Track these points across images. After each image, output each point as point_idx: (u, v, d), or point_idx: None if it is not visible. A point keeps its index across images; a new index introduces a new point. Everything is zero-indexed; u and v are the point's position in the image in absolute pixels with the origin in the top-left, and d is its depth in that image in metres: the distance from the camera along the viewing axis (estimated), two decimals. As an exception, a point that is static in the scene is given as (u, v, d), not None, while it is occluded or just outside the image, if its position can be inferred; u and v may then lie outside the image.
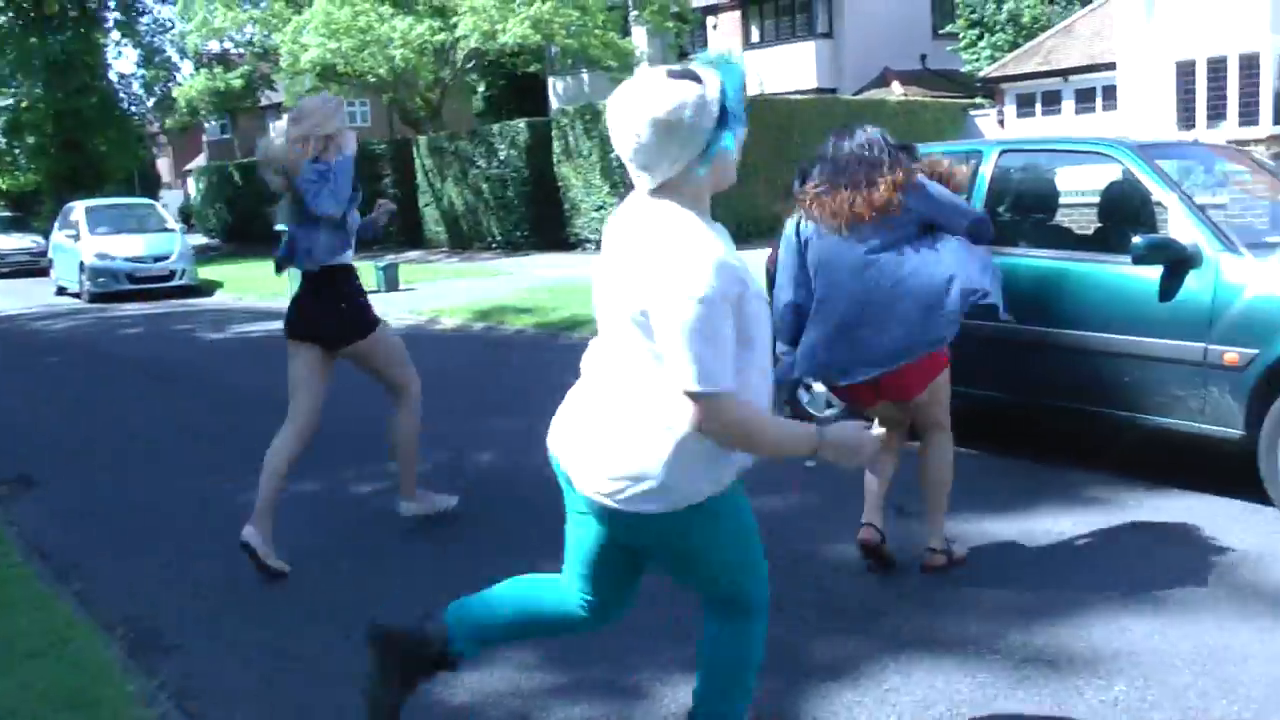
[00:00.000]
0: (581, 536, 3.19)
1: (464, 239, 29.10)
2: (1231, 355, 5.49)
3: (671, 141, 2.74)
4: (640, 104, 2.73)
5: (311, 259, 5.58)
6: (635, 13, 32.58)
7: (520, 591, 3.42)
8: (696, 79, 2.74)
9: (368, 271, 20.66)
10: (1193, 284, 5.67)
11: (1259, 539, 5.24)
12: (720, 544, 3.08)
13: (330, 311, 5.68)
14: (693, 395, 2.70)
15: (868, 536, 4.96)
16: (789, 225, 5.03)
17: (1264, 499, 5.53)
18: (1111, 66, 26.50)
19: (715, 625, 3.22)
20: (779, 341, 4.92)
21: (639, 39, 36.85)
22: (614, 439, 2.92)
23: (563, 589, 3.33)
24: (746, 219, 25.38)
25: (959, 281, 4.61)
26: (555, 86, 43.42)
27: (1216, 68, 23.10)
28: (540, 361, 11.41)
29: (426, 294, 18.40)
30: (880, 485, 5.04)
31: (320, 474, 7.08)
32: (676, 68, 2.78)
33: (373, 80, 31.72)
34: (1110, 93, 27.16)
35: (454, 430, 8.17)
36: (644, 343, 2.81)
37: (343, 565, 5.51)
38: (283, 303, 6.48)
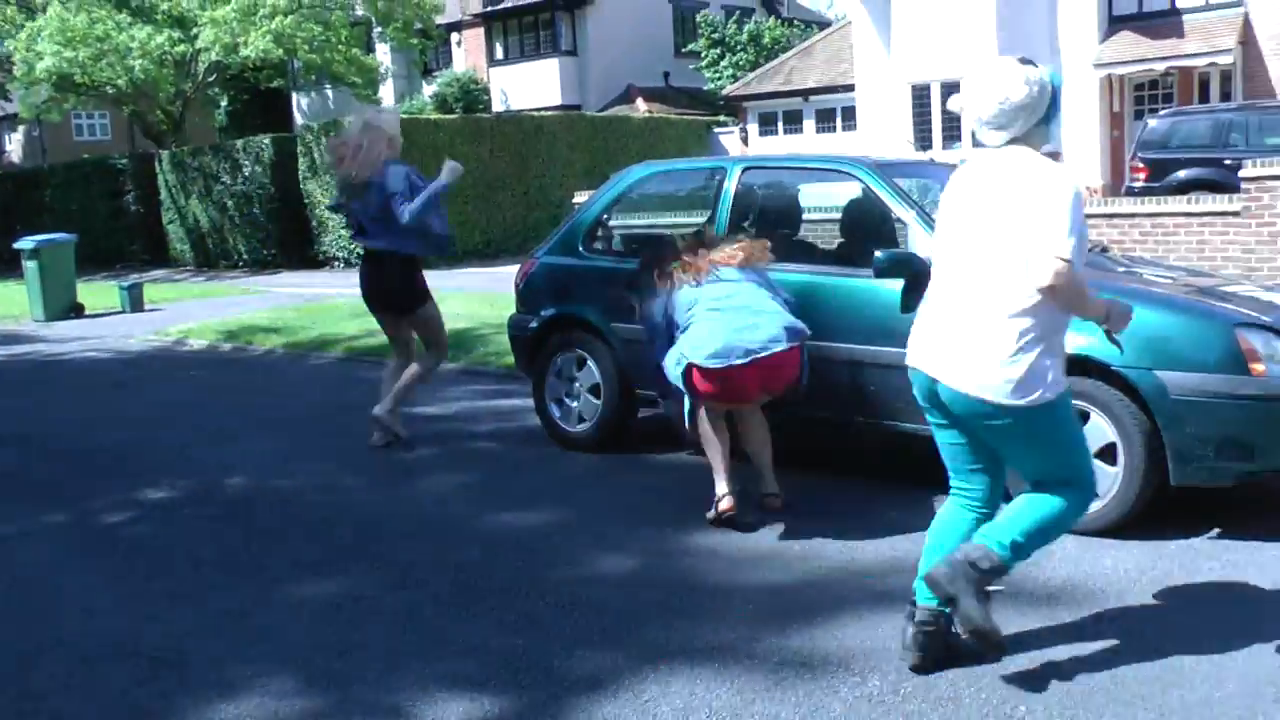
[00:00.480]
0: (952, 440, 4.19)
1: (210, 257, 28.10)
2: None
3: (1024, 107, 3.81)
4: (1003, 79, 3.82)
5: (374, 239, 7.69)
6: (379, 29, 32.21)
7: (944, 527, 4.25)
8: (1036, 65, 3.82)
9: (111, 292, 19.84)
10: (933, 295, 5.92)
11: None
12: (1066, 432, 4.01)
13: (388, 288, 7.79)
14: (1062, 259, 3.61)
15: (729, 506, 5.74)
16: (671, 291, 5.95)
17: (1007, 498, 5.79)
18: (850, 88, 27.66)
19: (1049, 497, 4.02)
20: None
21: (383, 55, 36.46)
22: (987, 345, 3.83)
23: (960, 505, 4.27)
24: (495, 233, 25.43)
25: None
26: (299, 102, 42.58)
27: (950, 90, 24.24)
28: (289, 382, 11.14)
29: (173, 314, 17.70)
30: (723, 460, 5.80)
31: (67, 505, 6.78)
32: (1023, 57, 3.87)
33: (112, 92, 30.40)
34: (850, 113, 28.33)
35: (204, 455, 7.91)
36: (1016, 252, 3.72)
37: (103, 603, 5.25)
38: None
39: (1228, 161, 16.41)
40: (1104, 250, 7.14)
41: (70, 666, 4.46)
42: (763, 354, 5.60)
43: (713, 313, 5.72)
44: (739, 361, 5.57)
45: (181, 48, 29.00)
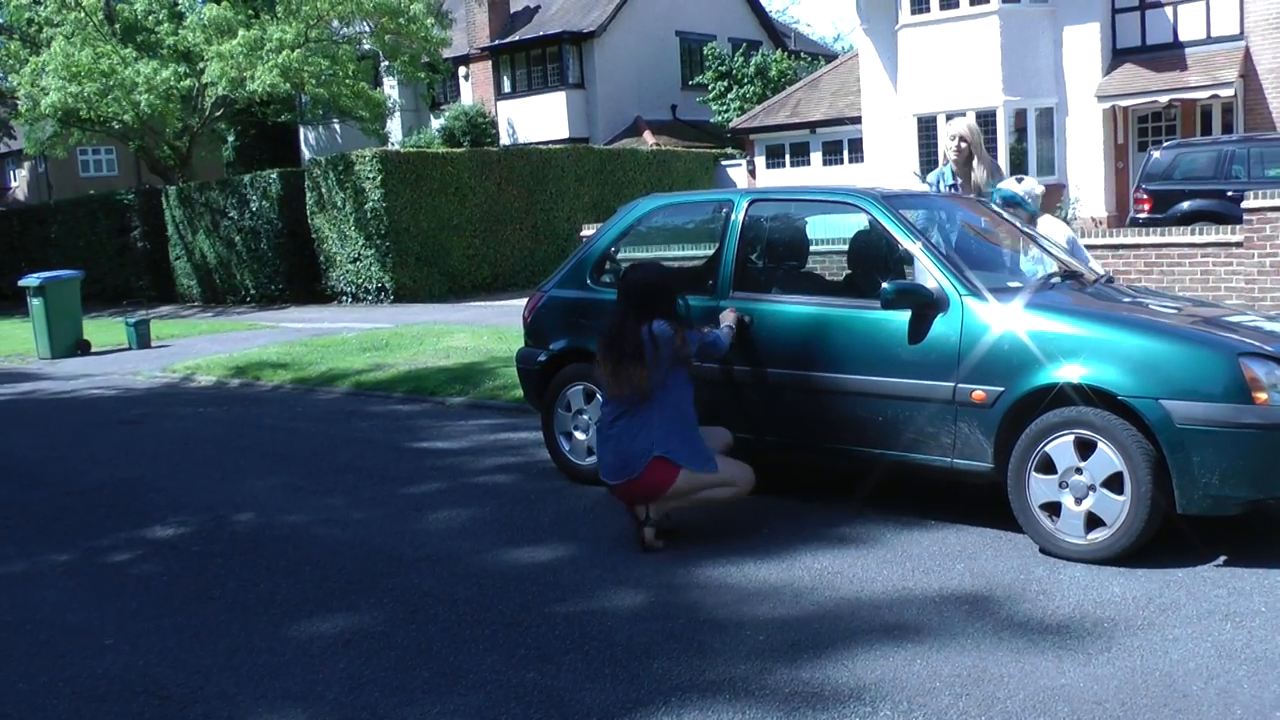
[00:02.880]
0: None
1: (217, 292, 28.21)
2: (979, 393, 5.79)
3: None
4: None
5: None
6: (386, 63, 32.42)
7: None
8: None
9: (117, 329, 19.90)
10: (941, 327, 5.96)
11: (1011, 565, 5.52)
12: None
13: None
14: None
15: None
16: None
17: (1015, 528, 5.83)
18: (857, 120, 27.80)
19: None
20: None
21: (390, 89, 36.69)
22: None
23: None
24: (503, 268, 25.51)
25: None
26: (307, 137, 42.83)
27: (956, 118, 24.40)
28: (297, 417, 11.17)
29: (180, 350, 17.78)
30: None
31: (74, 542, 6.81)
32: None
33: (118, 127, 30.63)
34: (856, 145, 28.47)
35: (212, 491, 7.94)
36: None
37: (112, 641, 5.26)
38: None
39: (1230, 193, 16.48)
40: (1109, 281, 7.17)
41: (79, 705, 4.47)
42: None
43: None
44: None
45: (188, 82, 29.22)
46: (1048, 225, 8.05)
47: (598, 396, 7.38)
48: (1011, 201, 8.08)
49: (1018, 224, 7.60)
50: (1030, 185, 8.25)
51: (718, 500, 6.21)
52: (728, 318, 6.58)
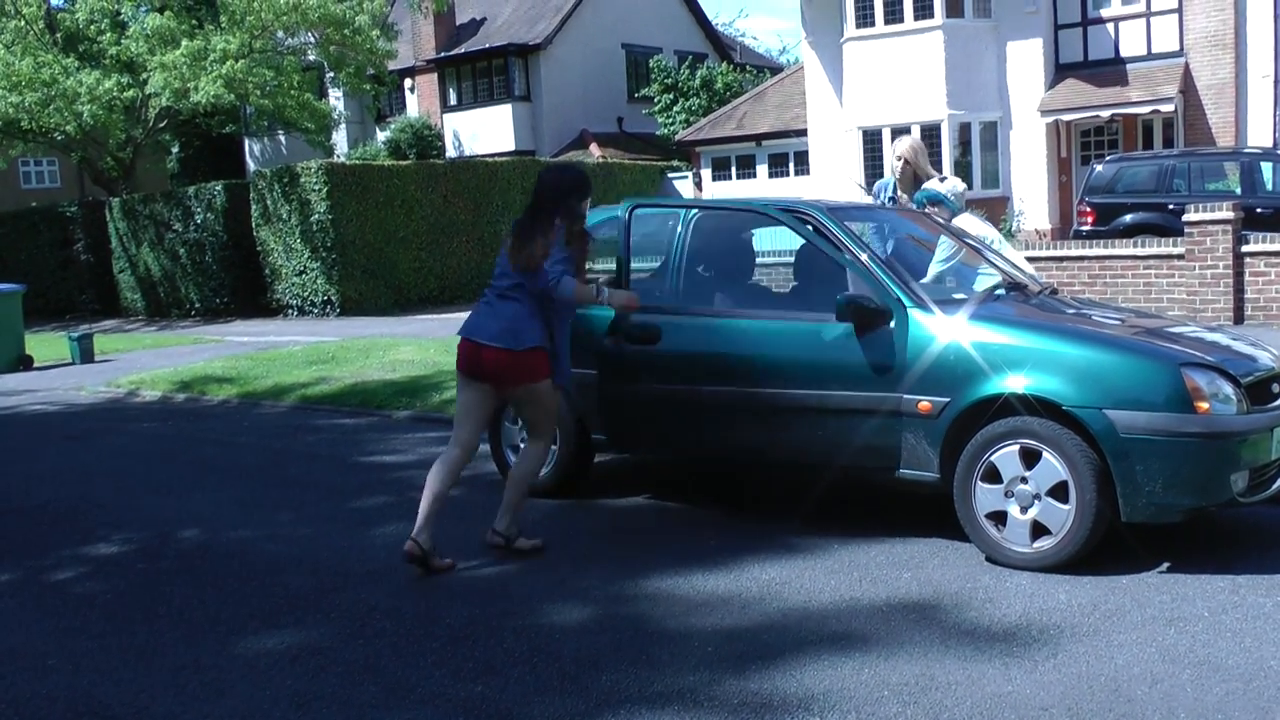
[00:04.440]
0: None
1: (162, 306, 27.90)
2: (925, 404, 5.83)
3: None
4: None
5: None
6: (331, 74, 32.25)
7: None
8: None
9: (60, 343, 19.65)
10: (886, 338, 5.99)
11: (957, 574, 5.56)
12: None
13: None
14: None
15: (409, 549, 5.87)
16: None
17: (961, 537, 5.88)
18: (802, 133, 27.99)
19: None
20: None
21: (336, 101, 36.50)
22: None
23: None
24: (449, 281, 25.42)
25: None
26: (252, 149, 42.54)
27: (901, 135, 24.64)
28: (243, 432, 11.07)
29: (125, 365, 17.56)
30: (430, 503, 5.93)
31: (16, 561, 6.70)
32: None
33: (60, 138, 30.20)
34: (802, 157, 28.65)
35: (157, 508, 7.85)
36: None
37: (56, 661, 5.18)
38: None
39: (1171, 206, 16.72)
40: (1053, 292, 7.24)
41: (22, 722, 4.40)
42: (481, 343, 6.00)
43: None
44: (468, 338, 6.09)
45: (131, 93, 28.89)
46: (970, 223, 8.14)
47: (546, 409, 7.37)
48: (935, 200, 8.22)
49: (942, 223, 7.69)
50: (953, 184, 8.43)
51: (529, 463, 6.32)
52: (618, 298, 6.40)
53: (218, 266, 26.14)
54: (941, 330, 5.87)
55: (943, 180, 8.44)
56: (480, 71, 37.91)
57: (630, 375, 6.79)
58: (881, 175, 24.55)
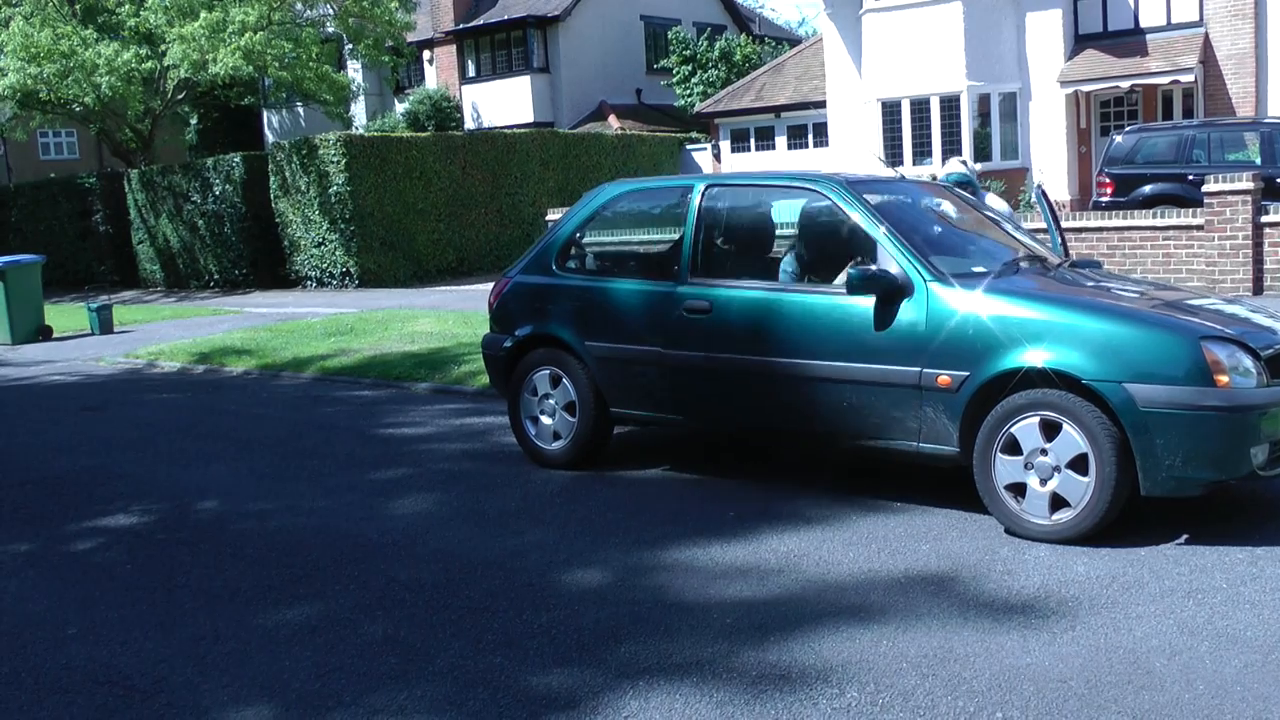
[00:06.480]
0: None
1: (181, 277, 27.97)
2: (944, 378, 5.82)
3: None
4: None
5: None
6: (350, 46, 32.19)
7: None
8: None
9: (80, 314, 19.72)
10: (906, 313, 5.97)
11: (976, 546, 5.56)
12: None
13: None
14: None
15: None
16: None
17: (980, 509, 5.88)
18: (822, 104, 27.86)
19: None
20: None
21: (354, 73, 36.45)
22: None
23: None
24: (468, 253, 25.42)
25: None
26: (270, 120, 42.51)
27: (920, 108, 24.59)
28: (262, 403, 11.11)
29: (144, 336, 17.63)
30: None
31: (36, 531, 6.74)
32: None
33: (79, 109, 30.21)
34: (821, 129, 28.51)
35: (176, 479, 7.89)
36: None
37: (75, 631, 5.22)
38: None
39: (1191, 177, 16.61)
40: (1093, 265, 7.24)
41: (42, 696, 4.43)
42: None
43: None
44: None
45: (149, 64, 28.89)
46: (988, 200, 8.17)
47: (564, 381, 7.39)
48: (964, 183, 8.20)
49: (979, 207, 7.65)
50: (971, 165, 8.45)
51: None
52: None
53: (236, 238, 26.18)
54: (961, 304, 5.85)
55: (963, 162, 8.47)
56: (499, 43, 37.77)
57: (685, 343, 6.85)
58: (900, 146, 24.74)
